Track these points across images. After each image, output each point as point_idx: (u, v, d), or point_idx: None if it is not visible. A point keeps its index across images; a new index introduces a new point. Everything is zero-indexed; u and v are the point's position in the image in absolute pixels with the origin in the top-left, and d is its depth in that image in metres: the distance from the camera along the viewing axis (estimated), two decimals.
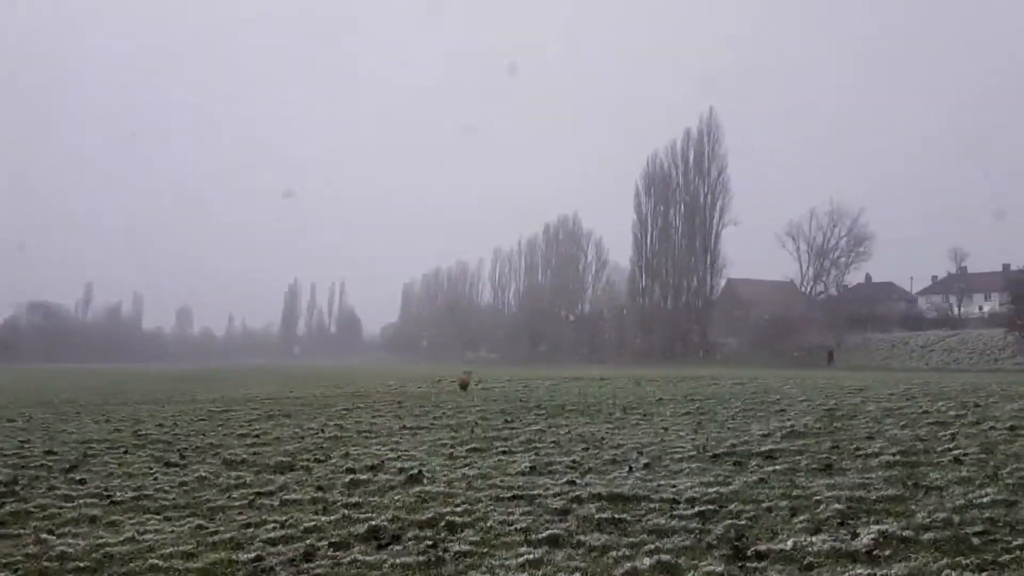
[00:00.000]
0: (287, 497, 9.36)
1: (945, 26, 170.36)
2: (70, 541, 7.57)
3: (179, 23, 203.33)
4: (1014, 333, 63.08)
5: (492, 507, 8.61)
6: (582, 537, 7.32)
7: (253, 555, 6.85)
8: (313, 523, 7.96)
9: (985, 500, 8.44)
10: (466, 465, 11.49)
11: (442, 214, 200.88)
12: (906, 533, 7.18)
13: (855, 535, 7.18)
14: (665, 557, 6.60)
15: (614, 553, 6.81)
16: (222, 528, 7.93)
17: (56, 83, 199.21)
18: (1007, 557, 6.55)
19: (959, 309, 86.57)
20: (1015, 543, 6.89)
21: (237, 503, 9.13)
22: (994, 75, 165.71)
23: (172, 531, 7.93)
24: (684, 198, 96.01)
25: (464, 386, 27.28)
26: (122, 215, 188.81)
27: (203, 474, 10.96)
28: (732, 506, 8.45)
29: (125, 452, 13.40)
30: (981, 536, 7.16)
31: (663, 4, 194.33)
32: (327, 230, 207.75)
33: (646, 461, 11.48)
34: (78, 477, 11.03)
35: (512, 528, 7.69)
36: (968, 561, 6.42)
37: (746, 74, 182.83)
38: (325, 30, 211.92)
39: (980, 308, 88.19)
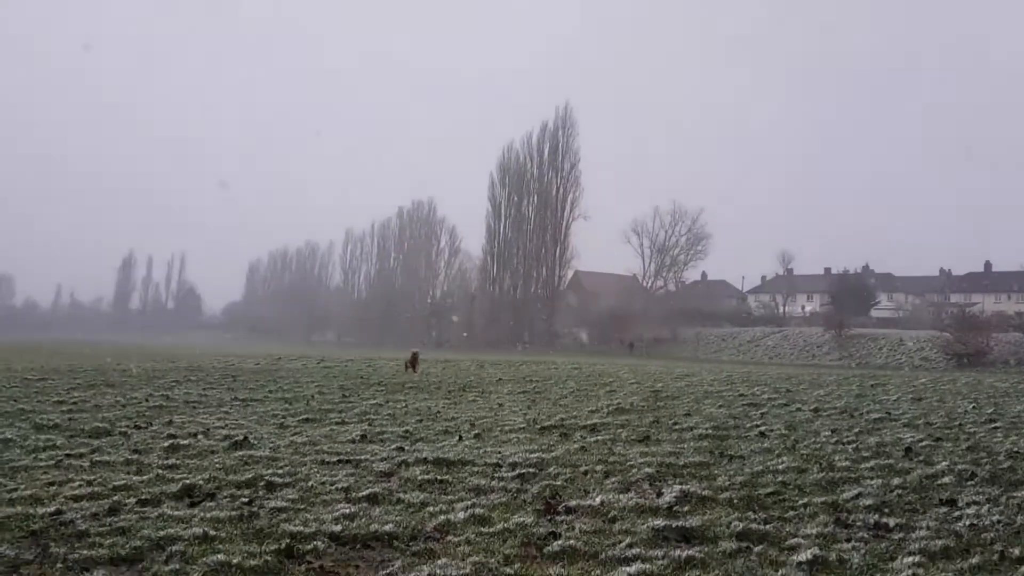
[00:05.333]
0: (99, 459, 8.92)
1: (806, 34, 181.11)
2: None
3: None
4: (831, 331, 68.22)
5: (316, 470, 8.56)
6: (402, 495, 7.42)
7: (53, 509, 6.53)
8: (123, 482, 7.66)
9: (780, 467, 9.22)
10: (296, 434, 11.32)
11: (295, 190, 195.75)
12: (706, 493, 7.76)
13: (660, 494, 7.67)
14: (479, 511, 6.81)
15: (431, 508, 6.96)
16: (23, 486, 7.49)
17: None
18: (792, 513, 7.22)
19: (784, 308, 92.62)
20: (800, 502, 7.61)
21: (43, 464, 8.63)
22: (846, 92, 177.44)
23: None
24: (537, 189, 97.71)
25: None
26: None
27: (9, 436, 10.26)
28: (551, 469, 8.81)
29: None
30: (772, 496, 7.85)
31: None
32: (170, 199, 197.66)
33: (477, 432, 11.71)
34: None
35: (333, 488, 7.68)
36: (756, 516, 7.01)
37: (621, 72, 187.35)
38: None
39: (803, 308, 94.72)
